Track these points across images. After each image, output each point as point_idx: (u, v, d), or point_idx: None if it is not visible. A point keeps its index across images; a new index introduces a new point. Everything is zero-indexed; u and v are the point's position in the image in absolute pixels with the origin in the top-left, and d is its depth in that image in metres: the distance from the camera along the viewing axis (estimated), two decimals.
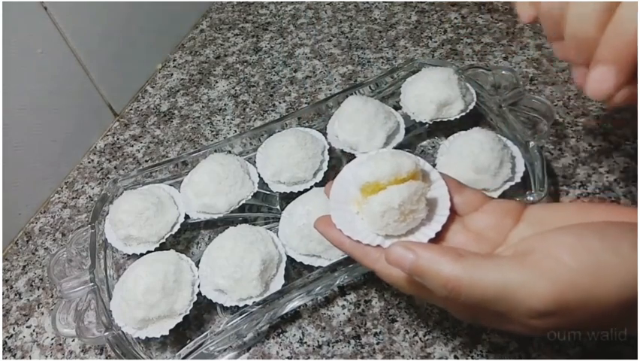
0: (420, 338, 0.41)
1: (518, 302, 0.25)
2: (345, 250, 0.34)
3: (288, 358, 0.41)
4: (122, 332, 0.40)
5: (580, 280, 0.24)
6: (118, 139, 0.63)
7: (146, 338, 0.40)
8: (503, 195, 0.44)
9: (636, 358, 0.36)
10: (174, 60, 0.73)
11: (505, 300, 0.26)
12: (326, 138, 0.52)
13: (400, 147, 0.51)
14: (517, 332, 0.28)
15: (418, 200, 0.32)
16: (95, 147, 0.63)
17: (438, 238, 0.33)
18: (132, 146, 0.62)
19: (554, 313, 0.25)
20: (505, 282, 0.25)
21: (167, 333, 0.40)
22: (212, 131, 0.62)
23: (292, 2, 0.79)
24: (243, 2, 0.81)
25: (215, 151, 0.52)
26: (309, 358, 0.41)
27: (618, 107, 0.30)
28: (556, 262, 0.25)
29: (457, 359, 0.39)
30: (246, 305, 0.40)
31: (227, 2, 0.82)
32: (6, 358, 0.45)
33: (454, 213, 0.34)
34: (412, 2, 0.73)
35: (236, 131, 0.61)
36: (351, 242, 0.33)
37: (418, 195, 0.32)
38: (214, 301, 0.41)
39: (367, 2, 0.75)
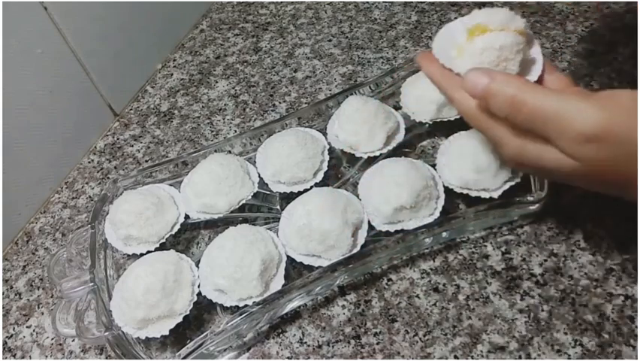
0: (420, 338, 0.41)
1: (569, 124, 0.29)
2: (434, 79, 0.37)
3: (288, 358, 0.41)
4: (122, 332, 0.40)
5: (630, 118, 0.28)
6: (118, 139, 0.63)
7: (146, 338, 0.40)
8: (503, 197, 0.44)
9: (636, 358, 0.36)
10: (174, 60, 0.73)
11: (559, 121, 0.29)
12: (326, 138, 0.52)
13: (400, 146, 0.51)
14: (553, 170, 0.31)
15: (517, 52, 0.34)
16: (95, 147, 0.63)
17: None
18: (132, 146, 0.62)
19: (598, 140, 0.28)
20: (563, 104, 0.29)
21: (167, 333, 0.40)
22: (212, 131, 0.62)
23: (292, 2, 0.79)
24: (242, 2, 0.81)
25: (215, 151, 0.52)
26: (309, 358, 0.41)
27: None
28: (615, 100, 0.29)
29: (457, 359, 0.39)
30: (245, 305, 0.40)
31: (227, 2, 0.82)
32: (6, 358, 0.45)
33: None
34: (412, 2, 0.73)
35: (236, 131, 0.61)
36: (442, 72, 0.36)
37: (518, 47, 0.34)
38: (214, 301, 0.41)
39: (367, 2, 0.75)
